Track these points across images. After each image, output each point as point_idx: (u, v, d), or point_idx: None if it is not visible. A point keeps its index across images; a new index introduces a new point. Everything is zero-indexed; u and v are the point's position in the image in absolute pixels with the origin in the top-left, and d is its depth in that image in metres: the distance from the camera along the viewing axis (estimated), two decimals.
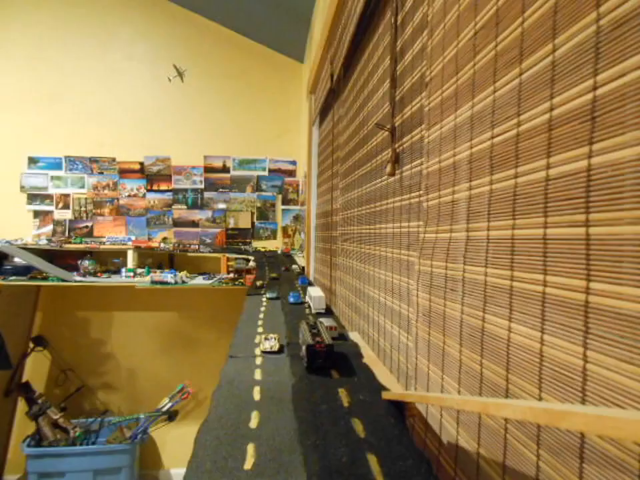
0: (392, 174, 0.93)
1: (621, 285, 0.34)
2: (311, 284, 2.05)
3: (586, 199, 0.38)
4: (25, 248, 2.82)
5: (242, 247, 3.34)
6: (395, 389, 0.85)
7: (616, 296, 0.34)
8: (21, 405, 2.93)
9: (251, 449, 0.60)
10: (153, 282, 2.70)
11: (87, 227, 3.30)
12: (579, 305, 0.38)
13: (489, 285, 0.53)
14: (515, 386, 0.47)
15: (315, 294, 1.49)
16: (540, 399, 0.43)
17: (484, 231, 0.55)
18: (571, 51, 0.40)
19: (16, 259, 2.74)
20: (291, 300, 1.60)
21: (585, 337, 0.37)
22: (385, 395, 0.78)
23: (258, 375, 0.89)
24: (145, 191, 3.36)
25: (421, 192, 0.78)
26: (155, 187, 3.36)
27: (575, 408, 0.29)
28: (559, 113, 0.42)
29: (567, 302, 0.40)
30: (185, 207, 3.38)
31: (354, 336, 1.23)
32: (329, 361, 0.91)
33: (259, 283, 2.02)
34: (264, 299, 1.68)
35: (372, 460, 0.57)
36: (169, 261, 3.24)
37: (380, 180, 1.06)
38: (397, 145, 0.94)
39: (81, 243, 3.02)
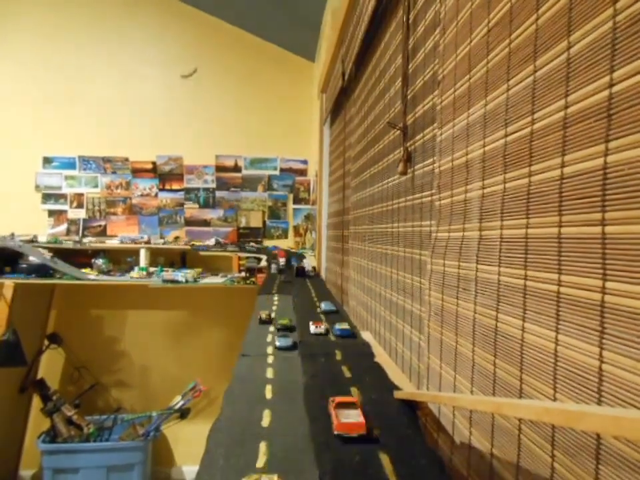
0: (404, 173, 0.92)
1: (638, 284, 0.33)
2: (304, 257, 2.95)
3: (602, 198, 0.37)
4: (39, 247, 2.86)
5: (254, 245, 3.29)
6: (406, 388, 0.85)
7: (633, 295, 0.34)
8: (36, 402, 2.98)
9: (263, 447, 0.60)
10: (164, 280, 2.72)
11: (100, 226, 3.34)
12: (595, 305, 0.38)
13: (502, 285, 0.53)
14: (528, 386, 0.47)
15: (306, 262, 2.65)
16: (554, 399, 0.43)
17: (497, 230, 0.55)
18: (586, 47, 0.40)
19: (30, 258, 2.78)
20: (294, 263, 2.66)
21: (600, 337, 0.37)
22: (398, 395, 0.77)
23: (270, 373, 0.89)
24: (157, 190, 3.38)
25: (433, 191, 0.77)
26: (167, 187, 3.39)
27: (592, 409, 0.29)
28: (574, 111, 0.41)
29: (582, 302, 0.39)
30: (197, 206, 3.40)
31: (366, 335, 1.23)
32: (303, 273, 2.31)
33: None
34: (275, 298, 1.69)
35: (384, 459, 0.57)
36: (181, 259, 3.26)
37: (392, 179, 1.06)
38: (408, 144, 0.93)
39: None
